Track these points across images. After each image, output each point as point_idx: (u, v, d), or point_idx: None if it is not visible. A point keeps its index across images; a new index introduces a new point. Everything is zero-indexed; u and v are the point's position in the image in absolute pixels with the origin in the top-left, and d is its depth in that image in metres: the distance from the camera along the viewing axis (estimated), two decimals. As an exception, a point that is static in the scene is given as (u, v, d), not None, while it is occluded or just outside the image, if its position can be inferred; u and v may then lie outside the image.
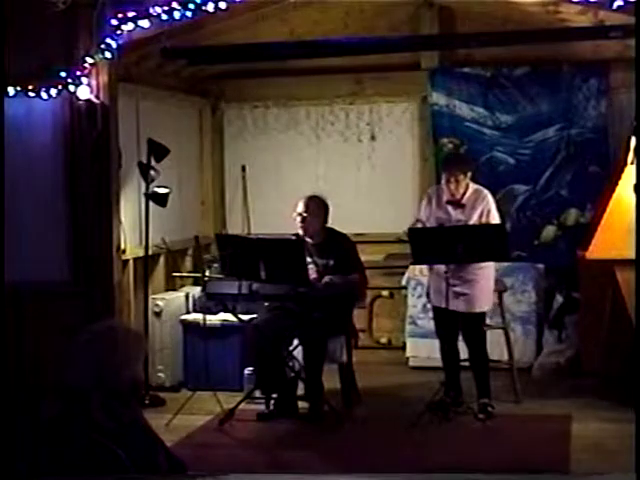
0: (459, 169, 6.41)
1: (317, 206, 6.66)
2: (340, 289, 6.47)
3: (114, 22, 6.10)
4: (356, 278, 6.60)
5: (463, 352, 6.59)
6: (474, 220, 6.37)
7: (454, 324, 6.48)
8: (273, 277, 6.25)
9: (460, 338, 6.57)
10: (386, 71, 8.25)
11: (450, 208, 6.42)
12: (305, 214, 6.61)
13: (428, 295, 6.68)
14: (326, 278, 6.50)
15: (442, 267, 6.32)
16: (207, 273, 7.22)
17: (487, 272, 6.42)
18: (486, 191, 6.48)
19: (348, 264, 6.59)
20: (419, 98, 8.32)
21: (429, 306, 7.34)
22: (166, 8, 6.05)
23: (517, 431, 6.15)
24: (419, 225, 6.54)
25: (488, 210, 6.40)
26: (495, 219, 6.43)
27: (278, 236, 6.74)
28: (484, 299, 6.43)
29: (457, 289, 6.32)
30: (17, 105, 6.16)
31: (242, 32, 7.53)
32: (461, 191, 6.40)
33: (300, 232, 6.62)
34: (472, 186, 6.46)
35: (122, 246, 6.64)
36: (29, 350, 6.21)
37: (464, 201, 6.41)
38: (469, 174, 6.43)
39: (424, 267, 6.70)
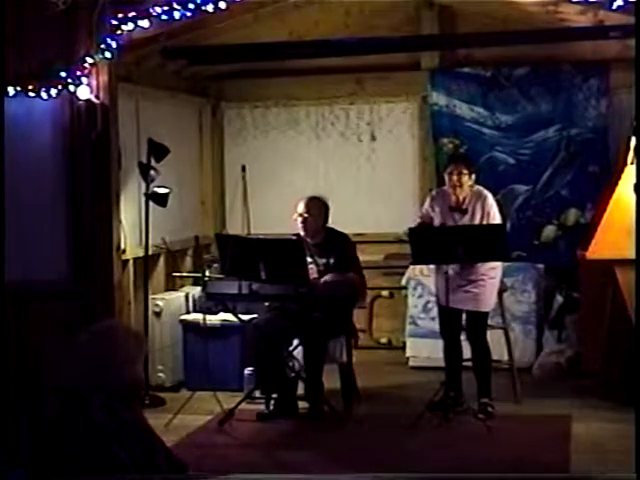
0: (464, 165, 6.43)
1: (317, 207, 6.67)
2: (338, 288, 6.47)
3: (114, 22, 6.09)
4: (353, 276, 6.59)
5: (465, 352, 6.59)
6: (476, 223, 6.38)
7: (458, 323, 6.49)
8: (273, 277, 6.25)
9: (463, 337, 6.57)
10: (386, 71, 8.26)
11: (455, 215, 6.43)
12: (306, 215, 6.61)
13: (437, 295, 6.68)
14: (326, 276, 6.50)
15: (444, 266, 6.33)
16: (207, 273, 7.22)
17: (496, 272, 6.43)
18: (486, 192, 6.48)
19: (346, 263, 6.59)
20: (419, 98, 8.32)
21: (429, 306, 7.37)
22: (166, 8, 6.05)
23: (517, 431, 6.15)
24: (428, 209, 6.53)
25: (488, 212, 6.40)
26: (496, 220, 6.43)
27: (278, 236, 6.75)
28: (491, 299, 6.45)
29: (466, 288, 6.33)
30: (17, 105, 6.16)
31: (242, 32, 7.54)
32: (464, 188, 6.39)
33: (301, 233, 6.62)
34: (473, 189, 6.46)
35: (122, 246, 6.63)
36: (29, 350, 6.21)
37: (465, 206, 6.42)
38: (473, 177, 6.43)
39: (424, 267, 6.70)
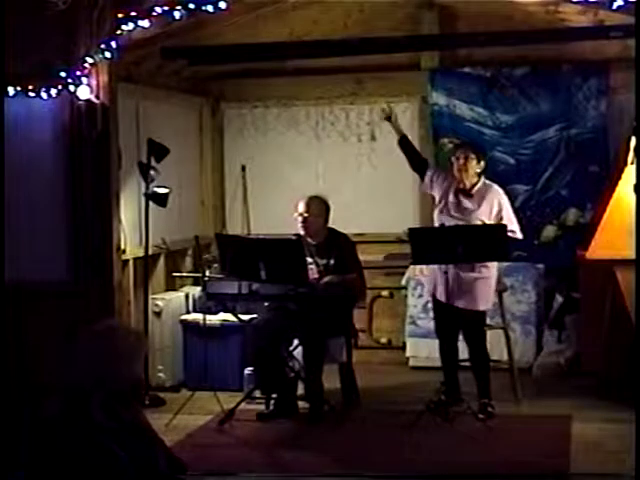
0: (472, 150, 6.43)
1: (318, 206, 6.67)
2: (338, 289, 6.47)
3: (114, 22, 6.10)
4: (353, 277, 6.59)
5: (463, 352, 6.59)
6: (482, 209, 6.33)
7: (454, 322, 6.48)
8: (273, 277, 6.25)
9: (460, 338, 6.56)
10: (386, 71, 8.25)
11: (461, 196, 6.41)
12: (306, 214, 6.61)
13: (432, 290, 6.68)
14: (325, 278, 6.50)
15: (443, 265, 6.33)
16: (207, 273, 7.22)
17: (490, 272, 6.41)
18: (497, 186, 6.45)
19: (346, 264, 6.59)
20: (419, 98, 8.31)
21: (429, 306, 7.34)
22: (166, 8, 6.06)
23: (517, 431, 6.15)
24: (431, 178, 6.57)
25: (499, 209, 6.35)
26: (512, 220, 6.37)
27: (278, 236, 6.74)
28: (486, 297, 6.43)
29: (458, 287, 6.32)
30: (17, 105, 6.16)
31: (242, 32, 7.54)
32: (471, 173, 6.36)
33: (301, 232, 6.62)
34: (483, 179, 6.45)
35: (122, 246, 6.64)
36: (29, 350, 6.21)
37: (473, 192, 6.40)
38: (482, 163, 6.41)
39: (424, 267, 6.69)
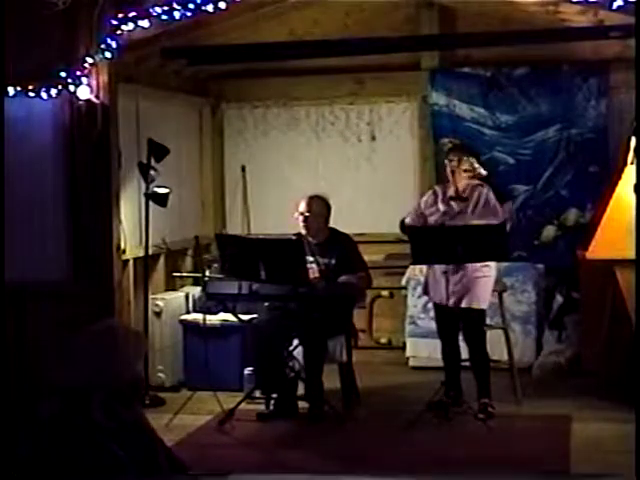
0: (465, 153, 6.45)
1: (319, 205, 6.68)
2: (346, 289, 6.49)
3: (114, 22, 6.10)
4: (364, 276, 6.63)
5: (464, 352, 6.59)
6: (475, 210, 6.37)
7: (455, 322, 6.48)
8: (273, 277, 6.25)
9: (461, 338, 6.57)
10: (386, 71, 8.26)
11: (454, 203, 6.42)
12: (307, 213, 6.62)
13: (426, 291, 6.68)
14: (343, 277, 6.51)
15: (442, 266, 6.32)
16: (207, 273, 7.22)
17: (492, 270, 6.41)
18: (486, 186, 6.47)
19: (350, 263, 6.60)
20: (419, 98, 8.32)
21: (429, 306, 7.34)
22: (166, 8, 6.06)
23: (517, 431, 6.15)
24: (422, 206, 6.54)
25: (486, 199, 6.38)
26: (492, 201, 6.36)
27: (278, 236, 6.75)
28: (488, 296, 6.43)
29: (458, 287, 6.32)
30: (17, 105, 6.16)
31: (242, 32, 7.54)
32: (463, 176, 6.38)
33: (302, 231, 6.63)
34: (473, 182, 6.46)
35: (122, 246, 6.64)
36: (29, 350, 6.21)
37: (466, 194, 6.41)
38: (475, 165, 6.40)
39: (424, 267, 6.69)
